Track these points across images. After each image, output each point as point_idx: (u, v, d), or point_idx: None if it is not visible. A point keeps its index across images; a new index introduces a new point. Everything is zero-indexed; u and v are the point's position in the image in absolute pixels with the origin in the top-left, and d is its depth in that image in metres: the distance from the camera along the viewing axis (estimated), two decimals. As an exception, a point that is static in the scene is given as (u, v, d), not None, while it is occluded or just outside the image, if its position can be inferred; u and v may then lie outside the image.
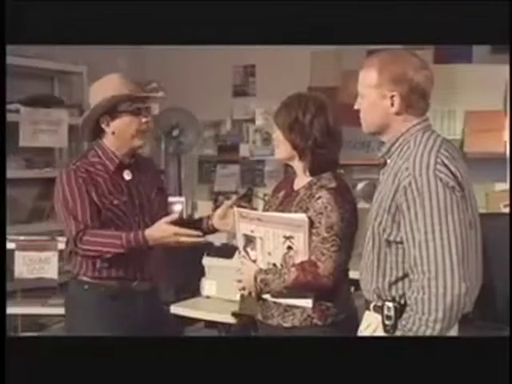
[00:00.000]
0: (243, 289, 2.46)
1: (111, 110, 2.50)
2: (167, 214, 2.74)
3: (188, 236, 2.47)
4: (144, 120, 2.54)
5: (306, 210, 2.29)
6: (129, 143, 2.55)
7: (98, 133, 2.57)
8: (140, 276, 2.59)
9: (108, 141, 2.56)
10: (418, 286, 1.80)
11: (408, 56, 1.98)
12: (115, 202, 2.52)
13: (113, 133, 2.54)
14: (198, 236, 2.51)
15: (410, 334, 1.80)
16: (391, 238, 1.90)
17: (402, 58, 1.97)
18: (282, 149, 2.41)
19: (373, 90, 1.97)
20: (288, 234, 2.28)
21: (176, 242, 2.46)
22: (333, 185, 2.32)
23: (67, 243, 2.62)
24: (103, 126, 2.53)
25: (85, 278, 2.55)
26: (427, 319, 1.78)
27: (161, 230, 2.46)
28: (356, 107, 2.04)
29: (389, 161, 1.99)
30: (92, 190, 2.49)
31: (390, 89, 1.94)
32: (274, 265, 2.34)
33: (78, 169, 2.50)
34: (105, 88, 2.52)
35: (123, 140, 2.54)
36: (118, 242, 2.44)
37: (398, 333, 1.85)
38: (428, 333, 1.78)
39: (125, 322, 2.50)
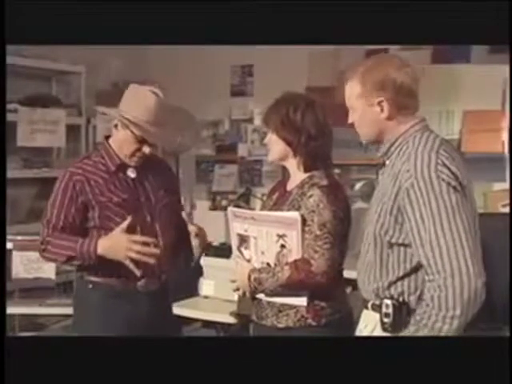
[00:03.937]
0: (237, 289, 2.45)
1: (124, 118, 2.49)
2: (178, 215, 2.74)
3: (142, 250, 2.40)
4: (144, 149, 2.49)
5: (298, 209, 2.29)
6: (124, 155, 2.53)
7: None
8: (145, 274, 2.52)
9: (113, 141, 2.56)
10: (435, 285, 1.78)
11: (387, 58, 1.98)
12: (115, 199, 2.50)
13: (117, 136, 2.54)
14: (155, 246, 2.45)
15: (425, 329, 1.78)
16: (393, 240, 1.89)
17: (382, 62, 1.98)
18: (274, 149, 2.41)
19: (360, 101, 1.97)
20: (281, 233, 2.28)
21: (126, 256, 2.39)
22: (324, 183, 2.32)
23: None
24: (113, 125, 2.53)
25: (89, 277, 2.55)
26: (444, 316, 1.76)
27: (112, 239, 2.42)
28: (350, 121, 2.03)
29: (388, 161, 1.99)
30: (88, 191, 2.48)
31: (376, 95, 1.93)
32: (268, 264, 2.34)
33: (73, 172, 2.50)
34: (133, 99, 2.49)
35: (120, 149, 2.53)
36: (73, 246, 2.43)
37: (412, 328, 1.82)
38: (444, 329, 1.76)
39: (129, 321, 2.49)
